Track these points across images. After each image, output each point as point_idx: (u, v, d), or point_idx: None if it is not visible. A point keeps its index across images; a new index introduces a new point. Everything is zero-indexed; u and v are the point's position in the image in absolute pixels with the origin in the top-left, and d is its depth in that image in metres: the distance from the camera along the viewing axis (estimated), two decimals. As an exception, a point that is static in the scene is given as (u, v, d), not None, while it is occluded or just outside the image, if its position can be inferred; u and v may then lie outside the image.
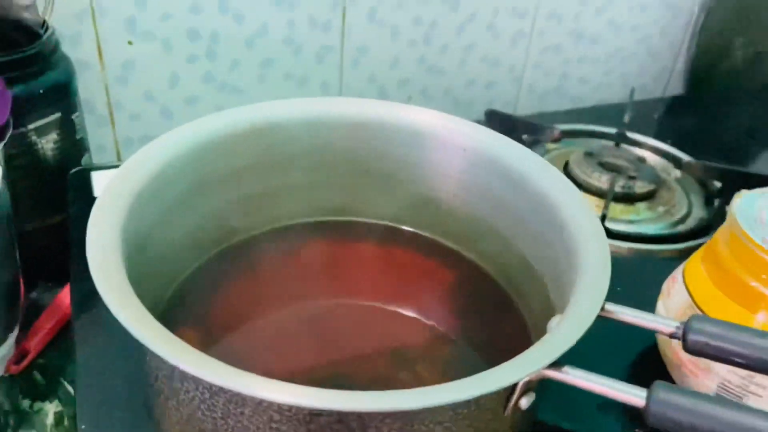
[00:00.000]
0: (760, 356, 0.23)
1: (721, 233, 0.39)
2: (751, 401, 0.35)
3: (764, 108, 0.76)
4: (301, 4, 0.61)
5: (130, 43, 0.56)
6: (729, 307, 0.37)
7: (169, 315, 0.33)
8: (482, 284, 0.38)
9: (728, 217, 0.38)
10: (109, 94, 0.58)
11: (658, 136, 0.65)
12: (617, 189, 0.55)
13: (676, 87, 0.83)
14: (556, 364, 0.24)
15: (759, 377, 0.36)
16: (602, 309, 0.26)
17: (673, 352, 0.40)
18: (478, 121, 0.64)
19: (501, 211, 0.36)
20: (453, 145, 0.36)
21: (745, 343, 0.24)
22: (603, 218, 0.50)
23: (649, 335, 0.42)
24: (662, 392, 0.22)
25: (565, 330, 0.24)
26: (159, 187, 0.33)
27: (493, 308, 0.36)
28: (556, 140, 0.60)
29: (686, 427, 0.21)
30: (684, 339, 0.25)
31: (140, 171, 0.32)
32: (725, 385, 0.37)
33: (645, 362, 0.42)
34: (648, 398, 0.22)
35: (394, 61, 0.69)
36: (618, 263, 0.52)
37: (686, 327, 0.25)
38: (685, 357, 0.39)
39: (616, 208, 0.55)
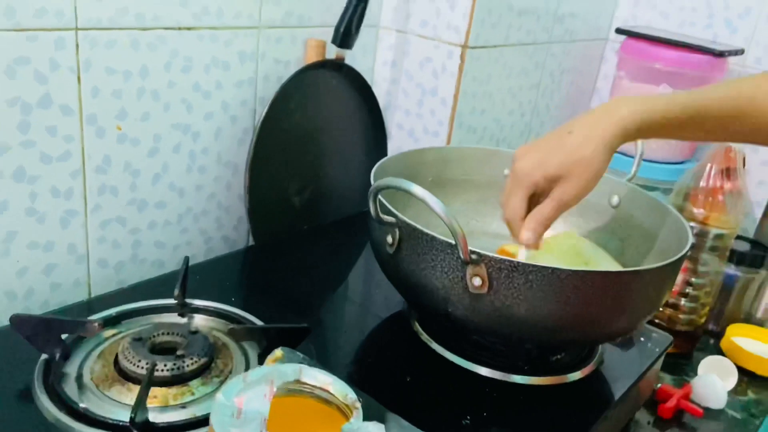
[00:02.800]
0: None
1: (208, 432, 0.38)
2: None
3: (329, 249, 0.84)
4: None
5: None
6: None
7: None
8: None
9: (210, 415, 0.38)
10: None
11: (222, 297, 0.66)
12: (165, 373, 0.53)
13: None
14: None
15: None
16: None
17: None
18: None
19: None
20: None
21: None
22: (132, 420, 0.46)
23: None
24: None
25: None
26: None
27: None
28: (99, 331, 0.56)
29: None
30: None
31: None
32: None
33: None
34: None
35: None
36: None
37: None
38: None
39: (169, 394, 0.52)
